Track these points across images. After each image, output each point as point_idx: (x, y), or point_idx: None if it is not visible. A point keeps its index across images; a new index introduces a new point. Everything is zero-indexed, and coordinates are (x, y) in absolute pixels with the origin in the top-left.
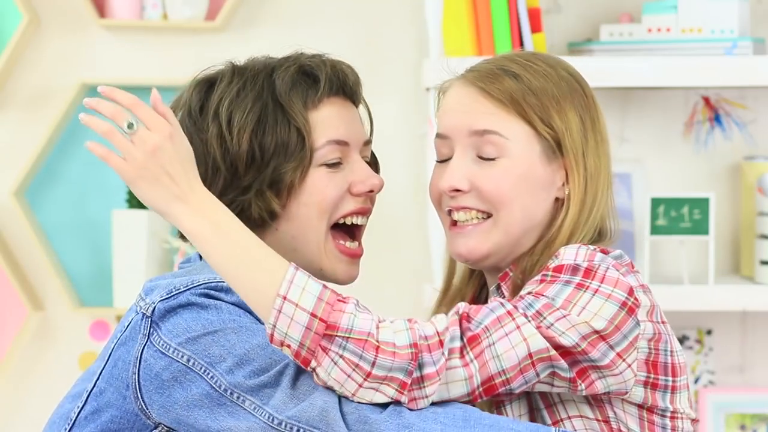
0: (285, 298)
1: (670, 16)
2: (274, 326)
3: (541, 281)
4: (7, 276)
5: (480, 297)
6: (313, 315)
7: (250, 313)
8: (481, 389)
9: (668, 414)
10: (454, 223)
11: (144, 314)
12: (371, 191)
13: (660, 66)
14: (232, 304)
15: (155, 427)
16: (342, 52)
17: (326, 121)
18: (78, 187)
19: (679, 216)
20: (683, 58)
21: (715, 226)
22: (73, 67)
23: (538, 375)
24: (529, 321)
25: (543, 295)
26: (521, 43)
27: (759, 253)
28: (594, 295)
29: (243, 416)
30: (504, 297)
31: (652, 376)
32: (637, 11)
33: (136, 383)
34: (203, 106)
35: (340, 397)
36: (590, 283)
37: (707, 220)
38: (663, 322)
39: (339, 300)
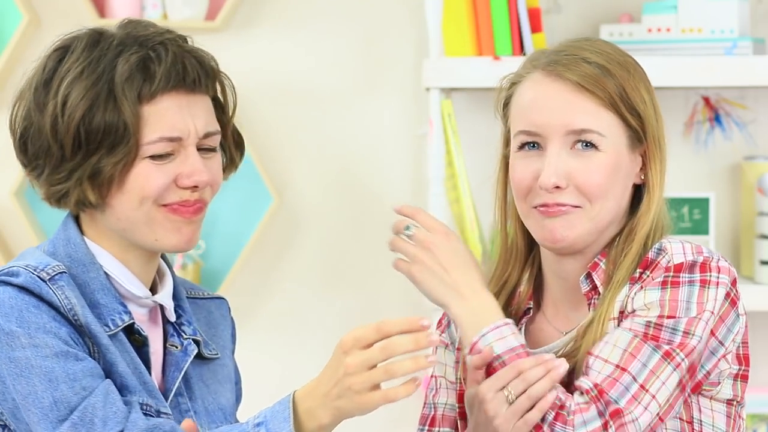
0: (507, 324)
1: (670, 16)
2: (483, 335)
3: (663, 283)
4: None
5: (535, 279)
6: (522, 346)
7: (33, 294)
8: None
9: (739, 407)
10: (544, 206)
11: None
12: (196, 186)
13: (660, 66)
14: (19, 286)
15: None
16: (342, 52)
17: (160, 116)
18: None
19: (679, 216)
20: (683, 58)
21: (715, 226)
22: None
23: None
24: (679, 363)
25: (676, 304)
26: (521, 43)
27: (759, 253)
28: (717, 287)
29: None
30: (593, 286)
31: (743, 368)
32: (637, 11)
33: None
34: (51, 78)
35: None
36: (710, 276)
37: (707, 220)
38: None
39: None
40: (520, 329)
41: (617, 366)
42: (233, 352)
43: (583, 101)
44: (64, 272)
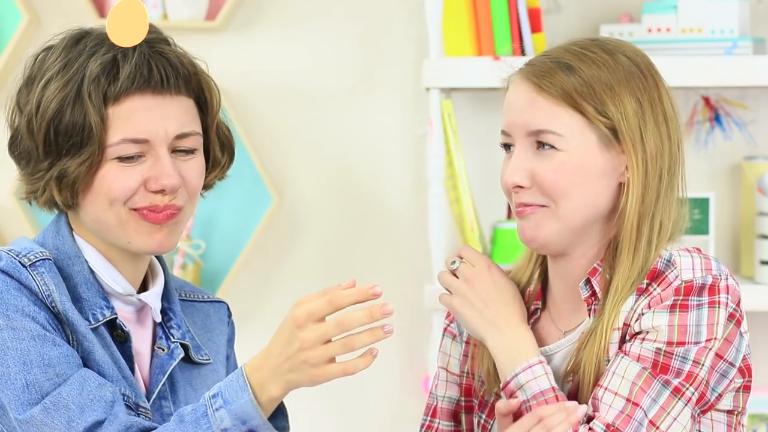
0: (542, 362)
1: (670, 16)
2: (517, 375)
3: (672, 307)
4: None
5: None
6: (553, 389)
7: (14, 278)
8: None
9: (741, 416)
10: (517, 207)
11: None
12: (164, 190)
13: (660, 66)
14: (0, 270)
15: None
16: (342, 52)
17: (124, 117)
18: None
19: None
20: (683, 58)
21: (715, 226)
22: None
23: None
24: (689, 400)
25: (686, 329)
26: (521, 43)
27: (759, 253)
28: (726, 308)
29: None
30: (592, 291)
31: (746, 379)
32: (637, 11)
33: None
34: (33, 79)
35: None
36: (718, 297)
37: (707, 220)
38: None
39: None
40: None
41: (628, 400)
42: (228, 358)
43: (541, 101)
44: (48, 259)
